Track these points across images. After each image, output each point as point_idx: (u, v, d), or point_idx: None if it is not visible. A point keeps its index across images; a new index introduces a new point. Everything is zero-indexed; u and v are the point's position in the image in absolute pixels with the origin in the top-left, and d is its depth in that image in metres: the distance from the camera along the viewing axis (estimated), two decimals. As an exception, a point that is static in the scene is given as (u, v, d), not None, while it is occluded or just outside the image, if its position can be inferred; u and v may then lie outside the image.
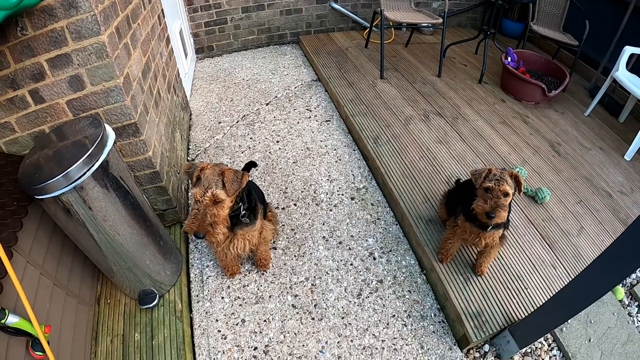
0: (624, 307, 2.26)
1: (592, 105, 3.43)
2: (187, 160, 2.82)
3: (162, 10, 2.67)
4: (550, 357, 1.95)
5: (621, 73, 3.11)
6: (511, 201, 1.74)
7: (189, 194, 2.56)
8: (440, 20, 3.37)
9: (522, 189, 1.66)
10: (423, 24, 3.62)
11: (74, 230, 1.58)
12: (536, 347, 1.99)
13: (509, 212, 1.79)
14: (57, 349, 1.55)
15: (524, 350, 1.96)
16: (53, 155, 1.42)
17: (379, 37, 3.51)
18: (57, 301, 1.65)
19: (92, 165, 1.41)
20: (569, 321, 2.05)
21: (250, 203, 1.79)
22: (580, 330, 2.06)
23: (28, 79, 1.53)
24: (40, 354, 1.40)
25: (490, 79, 3.73)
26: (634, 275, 2.41)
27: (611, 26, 3.69)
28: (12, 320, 1.27)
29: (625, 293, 2.31)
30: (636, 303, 2.29)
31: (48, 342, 1.37)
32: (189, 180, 1.59)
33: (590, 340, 2.03)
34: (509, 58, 3.52)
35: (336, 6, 4.22)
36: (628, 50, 3.16)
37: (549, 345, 2.00)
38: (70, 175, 1.34)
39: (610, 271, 1.29)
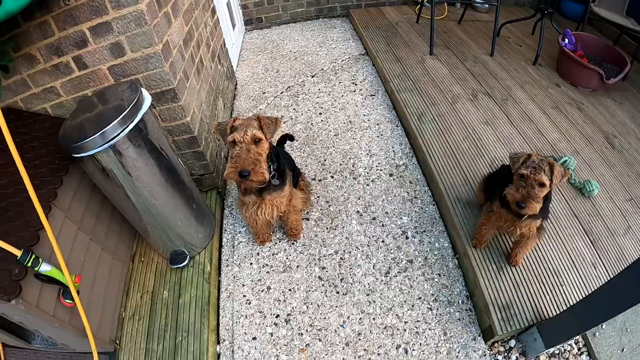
0: None
1: None
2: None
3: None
4: None
5: None
6: (551, 191, 1.60)
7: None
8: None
9: (555, 180, 1.50)
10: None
11: (110, 190, 1.65)
12: (565, 349, 1.84)
13: (547, 202, 1.65)
14: (88, 299, 1.64)
15: (551, 350, 1.83)
16: (91, 117, 1.48)
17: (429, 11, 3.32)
18: (92, 255, 1.74)
19: (127, 127, 1.45)
20: (603, 326, 1.89)
21: (279, 166, 1.77)
22: (614, 337, 1.89)
23: (71, 46, 1.60)
24: (70, 301, 1.48)
25: (546, 62, 3.43)
26: None
27: None
28: (44, 268, 1.35)
29: None
30: None
31: (78, 292, 1.45)
32: (223, 138, 1.59)
33: (623, 350, 1.86)
34: (567, 40, 3.21)
35: (390, -22, 4.05)
36: None
37: (579, 349, 1.85)
38: (105, 134, 1.39)
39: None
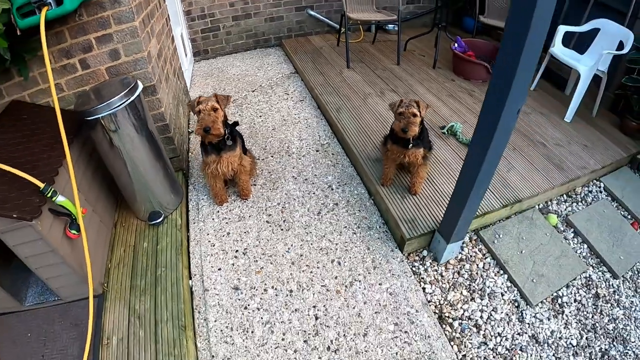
0: (559, 232, 2.75)
1: (536, 80, 3.93)
2: (188, 131, 3.46)
3: (168, 15, 3.39)
4: (484, 263, 2.50)
5: (556, 48, 3.55)
6: (424, 124, 2.37)
7: (189, 154, 3.20)
8: (395, 17, 4.08)
9: (422, 111, 2.27)
10: (381, 21, 4.33)
11: (112, 156, 2.21)
12: (471, 255, 2.53)
13: (425, 133, 2.42)
14: (80, 250, 2.06)
15: (459, 256, 2.50)
16: (99, 96, 2.08)
17: (349, 37, 4.20)
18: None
19: (126, 100, 2.06)
20: (500, 236, 2.60)
21: (232, 133, 2.45)
22: (512, 244, 2.59)
23: (79, 51, 2.20)
24: (75, 232, 1.96)
25: (444, 65, 4.39)
26: (569, 207, 2.96)
27: (555, 12, 4.32)
28: (60, 199, 1.85)
29: (561, 222, 2.84)
30: (572, 229, 2.80)
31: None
32: (192, 110, 2.26)
33: (522, 252, 2.55)
34: (457, 44, 4.19)
35: (312, 13, 4.97)
36: (562, 28, 3.59)
37: (483, 254, 2.55)
38: (111, 104, 2.00)
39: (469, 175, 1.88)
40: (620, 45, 3.28)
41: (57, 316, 2.11)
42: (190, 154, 3.23)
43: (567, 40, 3.84)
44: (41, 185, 1.79)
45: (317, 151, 3.22)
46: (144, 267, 2.32)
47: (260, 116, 3.68)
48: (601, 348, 2.23)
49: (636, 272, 2.65)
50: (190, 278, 2.36)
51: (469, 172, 1.95)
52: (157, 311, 2.09)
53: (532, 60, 1.46)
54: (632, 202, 3.06)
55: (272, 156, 3.18)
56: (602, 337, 2.28)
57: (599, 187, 3.15)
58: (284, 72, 4.47)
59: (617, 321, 2.37)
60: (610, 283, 2.55)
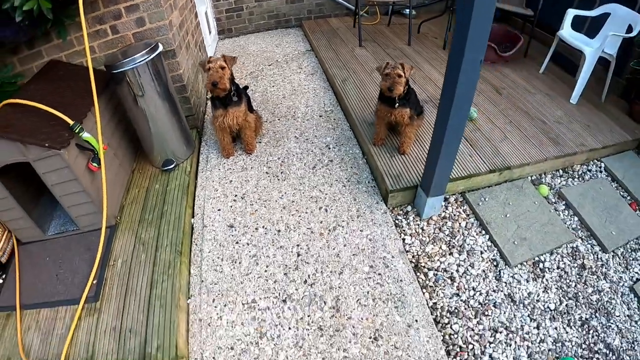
0: (549, 203, 2.81)
1: (545, 63, 3.95)
2: (206, 97, 3.77)
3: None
4: (467, 222, 2.63)
5: (565, 32, 3.56)
6: (410, 86, 2.55)
7: (205, 116, 3.51)
8: (407, -1, 4.24)
9: (407, 72, 2.45)
10: (395, 2, 4.50)
11: (135, 108, 2.53)
12: (455, 214, 2.67)
13: (412, 95, 2.60)
14: (99, 185, 2.37)
15: (443, 214, 2.66)
16: (125, 55, 2.38)
17: (366, 20, 4.39)
18: (106, 155, 2.49)
19: (147, 57, 2.38)
20: (486, 199, 2.73)
21: (238, 91, 2.72)
22: (497, 207, 2.70)
23: (110, 18, 2.53)
24: (96, 165, 2.28)
25: (455, 48, 4.49)
26: (564, 182, 3.03)
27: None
28: (85, 135, 2.18)
29: (553, 194, 2.91)
30: (563, 202, 2.85)
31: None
32: (203, 69, 2.56)
33: (506, 215, 2.66)
34: None
35: (331, -5, 5.20)
36: (571, 12, 3.60)
37: (467, 214, 2.68)
38: (134, 59, 2.32)
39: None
40: (630, 30, 3.26)
41: (74, 244, 2.43)
42: (206, 116, 3.53)
43: (580, 25, 3.87)
44: (71, 122, 2.13)
45: (320, 116, 3.44)
46: (153, 205, 2.62)
47: (273, 86, 3.94)
48: (581, 317, 2.25)
49: (629, 250, 2.63)
50: (193, 216, 2.64)
51: (440, 123, 2.12)
52: (159, 239, 2.38)
53: (485, 14, 1.64)
54: (634, 184, 3.02)
55: (278, 119, 3.43)
56: (583, 306, 2.31)
57: (599, 167, 3.15)
58: (300, 50, 4.71)
59: (602, 293, 2.38)
60: (599, 256, 2.56)
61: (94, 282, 2.18)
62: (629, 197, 2.97)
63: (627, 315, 2.32)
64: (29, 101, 2.12)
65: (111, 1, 2.45)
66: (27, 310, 2.12)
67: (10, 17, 1.99)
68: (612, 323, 2.26)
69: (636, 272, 2.53)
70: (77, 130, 2.14)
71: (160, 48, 2.49)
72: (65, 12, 2.33)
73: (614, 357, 2.15)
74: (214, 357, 1.93)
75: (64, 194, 2.25)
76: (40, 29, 2.24)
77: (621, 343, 2.20)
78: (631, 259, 2.60)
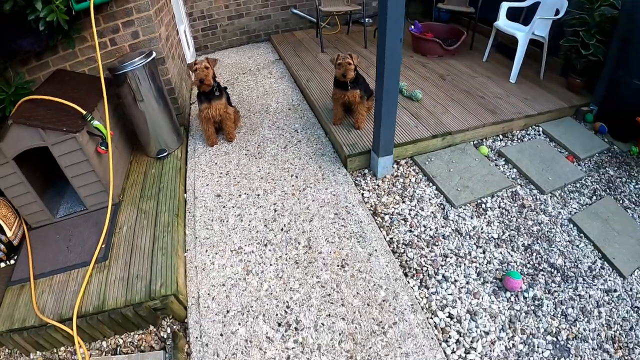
0: (490, 160, 3.28)
1: (487, 51, 4.55)
2: (190, 102, 4.31)
3: (173, 13, 4.28)
4: (416, 178, 3.16)
5: (501, 22, 4.15)
6: (358, 72, 3.14)
7: (190, 117, 4.04)
8: (360, 7, 4.90)
9: (355, 60, 3.04)
10: (349, 12, 5.18)
11: (134, 106, 3.04)
12: (406, 173, 3.20)
13: (361, 79, 3.17)
14: (105, 169, 2.85)
15: (395, 173, 3.19)
16: (123, 61, 2.91)
17: (328, 30, 5.04)
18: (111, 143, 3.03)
19: (144, 61, 2.91)
20: (432, 159, 3.26)
21: (220, 87, 3.28)
22: (442, 165, 3.22)
23: (109, 32, 3.07)
24: (104, 148, 2.77)
25: (407, 47, 5.13)
26: (503, 144, 3.61)
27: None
28: (95, 122, 2.66)
29: (493, 154, 3.43)
30: (503, 159, 3.35)
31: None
32: (190, 70, 3.11)
33: (450, 170, 3.17)
34: (413, 26, 4.96)
35: (296, 11, 5.84)
36: (504, 5, 4.21)
37: (416, 172, 3.22)
38: (133, 62, 2.86)
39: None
40: (557, 13, 3.80)
41: (82, 222, 2.79)
42: (190, 117, 4.06)
43: (518, 16, 4.46)
44: (83, 112, 2.60)
45: (289, 109, 4.02)
46: (151, 184, 3.09)
47: (247, 89, 4.52)
48: (524, 243, 2.64)
49: (566, 192, 3.07)
50: (185, 192, 3.12)
51: (378, 88, 2.71)
52: (158, 207, 2.85)
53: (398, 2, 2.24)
54: (571, 142, 3.46)
55: (254, 114, 3.99)
56: (525, 235, 2.69)
57: (538, 131, 3.66)
58: (269, 59, 5.33)
59: (542, 225, 2.77)
60: (537, 197, 2.99)
61: (103, 246, 2.54)
62: (566, 152, 3.45)
63: (568, 241, 2.71)
64: (46, 96, 2.60)
65: (110, 17, 3.00)
66: (40, 279, 2.38)
67: (27, 29, 2.47)
68: (553, 247, 2.64)
69: (574, 208, 2.96)
70: (89, 119, 2.61)
71: (154, 55, 3.03)
72: (74, 27, 2.87)
73: (559, 274, 2.50)
74: (209, 294, 2.37)
75: (75, 174, 2.67)
76: (52, 40, 2.75)
77: (564, 262, 2.57)
78: (569, 198, 3.03)
